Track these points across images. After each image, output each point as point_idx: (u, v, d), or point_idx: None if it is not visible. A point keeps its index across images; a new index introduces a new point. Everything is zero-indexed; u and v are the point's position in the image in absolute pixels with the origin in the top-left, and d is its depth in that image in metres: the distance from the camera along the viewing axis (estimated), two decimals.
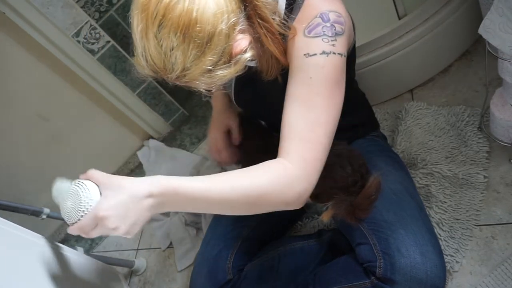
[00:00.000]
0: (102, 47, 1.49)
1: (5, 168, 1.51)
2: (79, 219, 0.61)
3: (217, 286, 0.95)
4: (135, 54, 0.65)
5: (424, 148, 1.17)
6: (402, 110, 1.29)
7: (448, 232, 1.00)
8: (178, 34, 0.59)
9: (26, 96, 1.49)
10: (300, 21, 0.70)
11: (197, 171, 1.57)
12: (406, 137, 1.21)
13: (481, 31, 0.83)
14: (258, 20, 0.66)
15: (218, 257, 0.97)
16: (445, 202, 1.04)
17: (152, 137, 1.87)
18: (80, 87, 1.59)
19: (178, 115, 1.87)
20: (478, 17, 1.03)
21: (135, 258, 1.46)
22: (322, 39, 0.68)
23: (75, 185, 0.63)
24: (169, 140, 1.84)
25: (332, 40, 0.68)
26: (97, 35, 1.46)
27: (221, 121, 1.05)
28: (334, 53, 0.68)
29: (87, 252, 1.57)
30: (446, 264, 0.94)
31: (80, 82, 1.56)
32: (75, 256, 1.00)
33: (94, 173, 0.64)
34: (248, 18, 0.66)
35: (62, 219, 1.47)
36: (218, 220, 1.07)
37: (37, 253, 0.84)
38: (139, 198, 0.61)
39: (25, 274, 0.76)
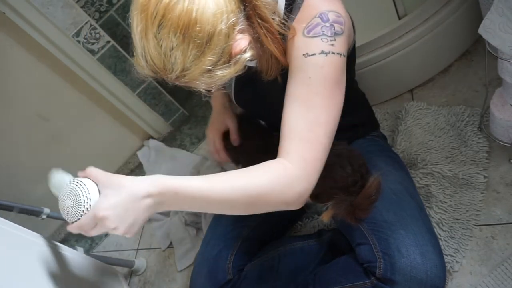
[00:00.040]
0: (102, 47, 1.49)
1: (5, 168, 1.51)
2: (78, 218, 0.62)
3: (217, 286, 0.95)
4: (134, 54, 0.65)
5: (424, 148, 1.17)
6: (402, 110, 1.29)
7: (448, 232, 1.00)
8: (178, 34, 0.59)
9: (26, 96, 1.49)
10: (300, 21, 0.70)
11: (197, 171, 1.57)
12: (406, 137, 1.21)
13: (481, 31, 0.83)
14: (258, 20, 0.66)
15: (218, 257, 0.97)
16: (445, 202, 1.04)
17: (152, 137, 1.87)
18: (80, 87, 1.59)
19: (178, 115, 1.87)
20: (478, 17, 1.03)
21: (135, 258, 1.46)
22: (321, 39, 0.68)
23: (74, 184, 0.63)
24: (169, 140, 1.84)
25: (331, 40, 0.68)
26: (97, 35, 1.46)
27: (220, 121, 1.05)
28: (333, 53, 0.68)
29: (87, 252, 1.57)
30: (446, 264, 0.94)
31: (80, 82, 1.56)
32: (75, 256, 1.00)
33: (92, 171, 0.64)
34: (248, 18, 0.66)
35: (62, 219, 1.47)
36: (218, 220, 1.07)
37: (37, 253, 0.84)
38: (138, 198, 0.61)
39: (25, 274, 0.76)
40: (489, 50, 0.89)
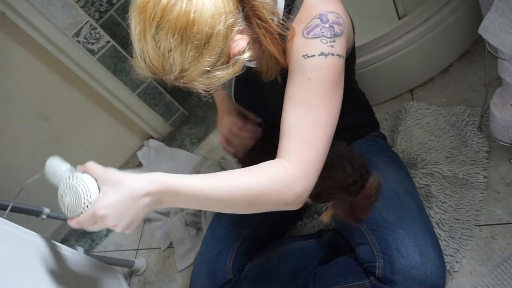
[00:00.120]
0: (102, 47, 1.49)
1: (5, 168, 1.51)
2: (78, 215, 0.62)
3: (217, 286, 0.95)
4: (133, 55, 0.65)
5: (424, 148, 1.17)
6: (402, 110, 1.28)
7: (448, 232, 1.00)
8: (176, 35, 0.59)
9: (26, 96, 1.49)
10: (299, 22, 0.70)
11: (197, 171, 1.57)
12: (406, 137, 1.21)
13: (481, 31, 0.83)
14: (256, 20, 0.66)
15: (218, 257, 0.97)
16: (445, 202, 1.04)
17: (152, 137, 1.87)
18: (80, 87, 1.59)
19: (178, 115, 1.87)
20: (478, 17, 1.02)
21: (135, 258, 1.46)
22: (321, 40, 0.68)
23: (73, 180, 0.63)
24: (169, 140, 1.84)
25: (330, 41, 0.68)
26: (97, 35, 1.46)
27: (230, 109, 1.01)
28: (332, 54, 0.68)
29: (87, 252, 1.57)
30: (446, 264, 0.94)
31: (80, 82, 1.56)
32: (75, 256, 1.00)
33: (92, 166, 0.64)
34: (246, 18, 0.66)
35: (62, 219, 1.47)
36: (218, 220, 1.07)
37: (37, 253, 0.84)
38: (138, 196, 0.62)
39: (25, 274, 0.76)
40: (489, 50, 0.89)
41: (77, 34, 1.42)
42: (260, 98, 0.87)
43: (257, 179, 0.66)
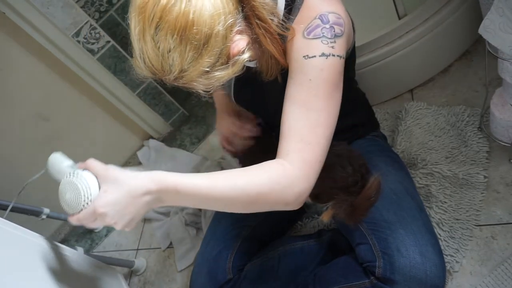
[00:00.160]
0: (102, 47, 1.49)
1: (5, 168, 1.51)
2: (78, 212, 0.62)
3: (217, 286, 0.95)
4: (133, 55, 0.65)
5: (424, 148, 1.17)
6: (402, 110, 1.28)
7: (448, 232, 1.00)
8: (175, 36, 0.59)
9: (26, 96, 1.49)
10: (299, 22, 0.70)
11: (197, 171, 1.57)
12: (406, 137, 1.21)
13: (481, 31, 0.83)
14: (256, 20, 0.66)
15: (218, 257, 0.97)
16: (445, 202, 1.04)
17: (152, 137, 1.87)
18: (80, 87, 1.59)
19: (178, 115, 1.87)
20: (478, 17, 1.02)
21: (135, 258, 1.46)
22: (322, 41, 0.68)
23: (74, 177, 0.63)
24: (169, 140, 1.84)
25: (331, 42, 0.68)
26: (97, 35, 1.46)
27: (229, 108, 1.02)
28: (333, 55, 0.68)
29: (87, 252, 1.57)
30: (446, 264, 0.94)
31: (80, 82, 1.56)
32: (75, 256, 1.00)
33: (92, 163, 0.65)
34: (246, 19, 0.66)
35: (62, 219, 1.47)
36: (218, 220, 1.07)
37: (37, 253, 0.84)
38: (137, 195, 0.62)
39: (25, 274, 0.76)
40: (489, 50, 0.89)
41: (77, 34, 1.42)
42: (260, 98, 0.87)
43: (256, 178, 0.66)
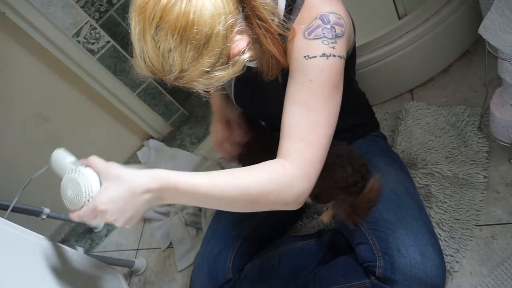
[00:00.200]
0: (102, 47, 1.49)
1: (5, 168, 1.51)
2: (79, 208, 0.63)
3: (217, 286, 0.95)
4: (133, 55, 0.65)
5: (424, 148, 1.17)
6: (402, 110, 1.29)
7: (448, 232, 1.00)
8: (176, 36, 0.59)
9: (26, 96, 1.49)
10: (300, 23, 0.70)
11: (196, 171, 1.57)
12: (406, 137, 1.21)
13: (481, 31, 0.83)
14: (257, 20, 0.66)
15: (218, 257, 0.97)
16: (445, 202, 1.04)
17: (152, 137, 1.87)
18: (80, 87, 1.59)
19: (178, 115, 1.87)
20: (478, 17, 1.03)
21: (135, 258, 1.46)
22: (322, 41, 0.68)
23: (75, 173, 0.64)
24: (169, 140, 1.84)
25: (332, 43, 0.68)
26: (97, 35, 1.46)
27: (221, 114, 1.05)
28: (334, 56, 0.68)
29: (87, 252, 1.57)
30: (446, 264, 0.94)
31: (80, 82, 1.56)
32: (75, 256, 1.00)
33: (94, 160, 0.65)
34: (247, 19, 0.66)
35: (62, 219, 1.47)
36: (218, 220, 1.07)
37: (37, 253, 0.84)
38: (138, 193, 0.62)
39: (25, 274, 0.76)
40: (489, 50, 0.89)
41: (77, 34, 1.42)
42: (261, 98, 0.87)
43: (257, 178, 0.67)
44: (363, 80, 1.17)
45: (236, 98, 0.96)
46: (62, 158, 0.69)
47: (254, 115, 1.03)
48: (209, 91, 0.67)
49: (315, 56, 0.68)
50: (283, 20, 0.69)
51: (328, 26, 0.68)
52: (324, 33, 0.68)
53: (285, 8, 0.71)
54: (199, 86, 0.66)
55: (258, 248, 1.04)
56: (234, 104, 1.00)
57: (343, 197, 0.84)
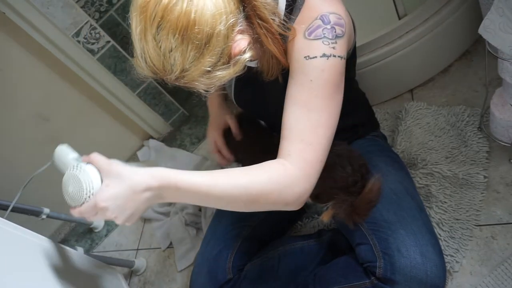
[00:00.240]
0: (102, 47, 1.49)
1: (5, 168, 1.51)
2: (80, 205, 0.63)
3: (217, 286, 0.95)
4: (134, 55, 0.65)
5: (424, 148, 1.17)
6: (402, 110, 1.29)
7: (448, 232, 1.00)
8: (177, 35, 0.59)
9: (26, 96, 1.49)
10: (300, 23, 0.70)
11: None
12: (406, 137, 1.21)
13: (481, 31, 0.83)
14: (258, 20, 0.66)
15: (218, 257, 0.97)
16: (445, 202, 1.04)
17: (152, 137, 1.87)
18: (80, 87, 1.59)
19: (178, 115, 1.87)
20: (478, 17, 1.03)
21: (135, 258, 1.46)
22: (323, 42, 0.68)
23: (77, 170, 0.64)
24: (169, 140, 1.84)
25: (332, 43, 0.68)
26: (97, 35, 1.46)
27: (219, 119, 1.06)
28: (334, 56, 0.68)
29: (87, 252, 1.57)
30: (446, 264, 0.94)
31: (80, 82, 1.56)
32: (75, 256, 1.00)
33: (96, 157, 0.65)
34: (247, 18, 0.66)
35: (62, 219, 1.47)
36: (218, 220, 1.07)
37: (37, 253, 0.84)
38: (138, 191, 0.62)
39: (25, 274, 0.76)
40: (489, 50, 0.89)
41: (77, 34, 1.42)
42: (261, 98, 0.87)
43: (257, 178, 0.67)
44: (363, 80, 1.17)
45: (236, 98, 0.96)
46: (65, 154, 0.69)
47: (254, 115, 1.03)
48: (210, 91, 0.67)
49: (316, 57, 0.68)
50: (283, 20, 0.69)
51: (329, 27, 0.68)
52: (324, 34, 0.68)
53: (286, 8, 0.71)
54: (200, 85, 0.66)
55: (258, 248, 1.04)
56: (234, 104, 1.00)
57: (343, 197, 0.84)
